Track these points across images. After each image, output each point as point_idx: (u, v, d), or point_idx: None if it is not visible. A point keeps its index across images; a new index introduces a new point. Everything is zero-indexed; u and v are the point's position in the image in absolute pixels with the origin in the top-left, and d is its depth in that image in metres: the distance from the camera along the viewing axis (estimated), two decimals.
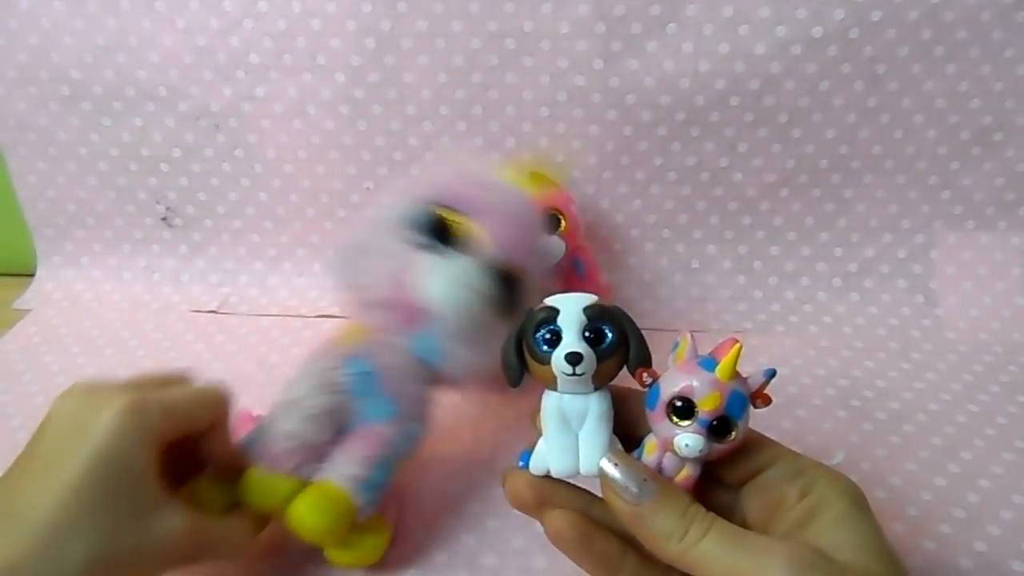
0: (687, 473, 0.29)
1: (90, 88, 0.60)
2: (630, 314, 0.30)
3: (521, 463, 0.32)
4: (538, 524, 0.32)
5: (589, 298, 0.29)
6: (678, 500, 0.27)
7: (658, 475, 0.28)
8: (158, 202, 0.64)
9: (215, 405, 0.35)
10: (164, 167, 0.63)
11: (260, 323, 0.61)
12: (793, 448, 0.47)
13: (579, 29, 0.55)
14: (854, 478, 0.44)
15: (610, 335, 0.29)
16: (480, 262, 0.35)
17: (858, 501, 0.28)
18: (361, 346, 0.38)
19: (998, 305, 0.60)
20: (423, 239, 0.36)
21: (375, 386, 0.37)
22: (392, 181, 0.61)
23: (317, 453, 0.36)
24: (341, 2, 0.55)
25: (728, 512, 0.29)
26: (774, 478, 0.29)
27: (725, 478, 0.31)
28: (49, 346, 0.58)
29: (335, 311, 0.62)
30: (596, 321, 0.29)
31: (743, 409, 0.28)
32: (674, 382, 0.28)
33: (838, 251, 0.62)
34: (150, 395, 0.31)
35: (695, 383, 0.27)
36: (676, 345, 0.29)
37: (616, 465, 0.28)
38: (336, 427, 0.36)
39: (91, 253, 0.67)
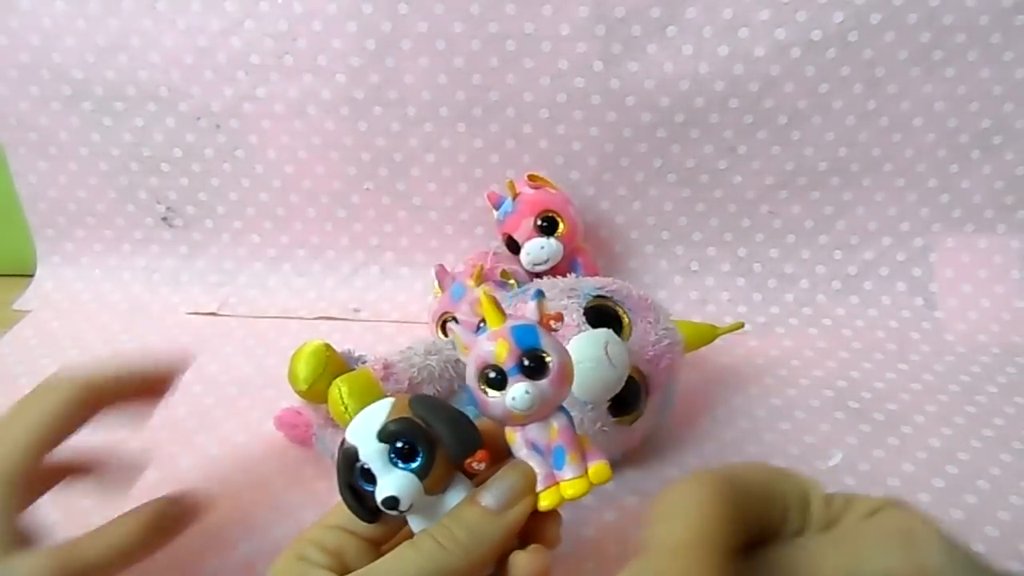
0: (556, 428, 0.27)
1: (91, 88, 0.60)
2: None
3: None
4: None
5: (380, 414, 0.26)
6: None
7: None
8: (158, 202, 0.64)
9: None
10: (165, 167, 0.63)
11: (258, 326, 0.61)
12: (790, 448, 0.47)
13: (579, 31, 0.55)
14: (852, 480, 0.45)
15: (419, 448, 0.25)
16: None
17: (903, 533, 0.21)
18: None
19: (997, 308, 0.60)
20: None
21: None
22: (392, 183, 0.61)
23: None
24: (342, 3, 0.55)
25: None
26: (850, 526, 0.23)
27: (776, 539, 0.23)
28: (46, 349, 0.58)
29: (334, 313, 0.62)
30: (397, 440, 0.25)
31: (537, 336, 0.26)
32: (470, 368, 0.26)
33: (837, 254, 0.62)
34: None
35: (480, 350, 0.26)
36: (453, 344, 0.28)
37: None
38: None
39: (91, 253, 0.67)
